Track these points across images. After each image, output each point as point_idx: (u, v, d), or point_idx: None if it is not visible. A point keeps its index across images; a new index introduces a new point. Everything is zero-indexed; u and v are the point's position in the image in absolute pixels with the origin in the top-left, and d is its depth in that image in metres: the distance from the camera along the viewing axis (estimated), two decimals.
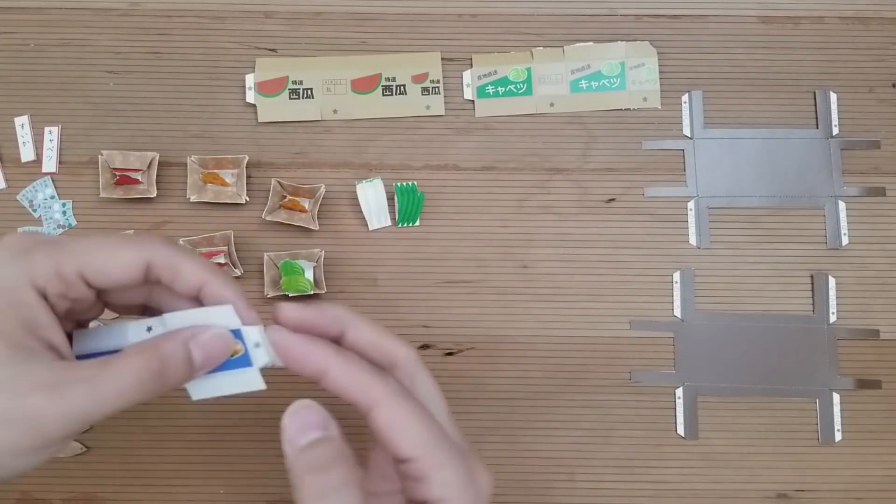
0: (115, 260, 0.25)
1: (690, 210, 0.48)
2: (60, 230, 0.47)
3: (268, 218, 0.46)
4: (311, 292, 0.45)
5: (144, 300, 0.29)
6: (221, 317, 0.26)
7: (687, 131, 0.49)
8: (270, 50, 0.49)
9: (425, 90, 0.49)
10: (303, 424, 0.25)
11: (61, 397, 0.23)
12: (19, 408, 0.23)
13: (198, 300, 0.27)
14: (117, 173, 0.46)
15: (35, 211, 0.47)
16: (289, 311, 0.27)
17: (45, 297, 0.25)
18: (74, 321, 0.28)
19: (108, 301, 0.28)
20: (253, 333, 0.26)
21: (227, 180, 0.47)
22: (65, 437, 0.24)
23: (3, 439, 0.23)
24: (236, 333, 0.26)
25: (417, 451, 0.24)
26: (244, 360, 0.26)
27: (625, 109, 0.49)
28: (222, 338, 0.26)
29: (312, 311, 0.27)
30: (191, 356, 0.25)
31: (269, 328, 0.27)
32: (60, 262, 0.25)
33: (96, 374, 0.24)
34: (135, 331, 0.27)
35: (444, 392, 0.28)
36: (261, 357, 0.26)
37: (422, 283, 0.47)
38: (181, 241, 0.45)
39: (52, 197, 0.47)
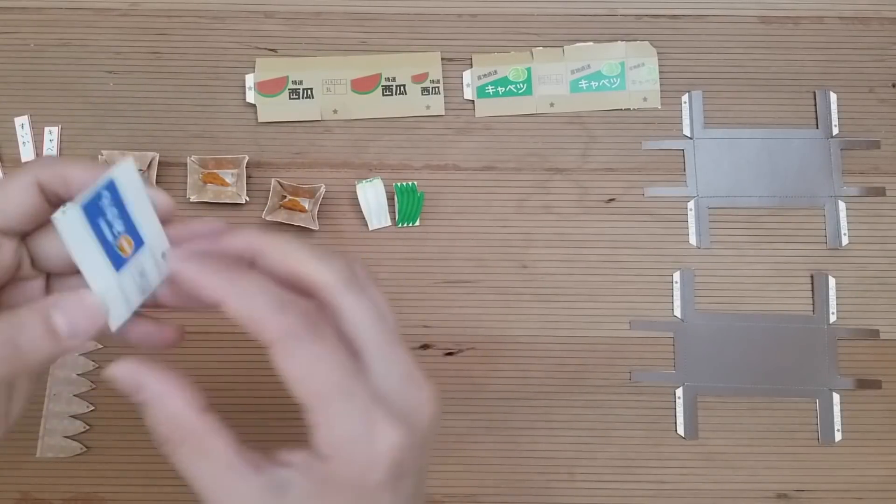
0: (5, 191, 0.24)
1: (690, 210, 0.48)
2: None
3: (268, 218, 0.46)
4: None
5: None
6: (124, 173, 0.23)
7: (687, 131, 0.49)
8: (270, 50, 0.49)
9: (425, 90, 0.49)
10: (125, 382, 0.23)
11: None
12: None
13: None
14: None
15: None
16: (194, 227, 0.25)
17: None
18: None
19: (37, 256, 0.26)
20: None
21: (227, 180, 0.47)
22: None
23: None
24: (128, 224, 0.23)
25: (308, 401, 0.22)
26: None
27: (625, 109, 0.49)
28: (89, 306, 0.23)
29: (217, 231, 0.25)
30: (54, 327, 0.23)
31: (170, 251, 0.25)
32: None
33: None
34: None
35: (442, 390, 0.26)
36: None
37: (422, 283, 0.47)
38: None
39: None
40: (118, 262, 0.23)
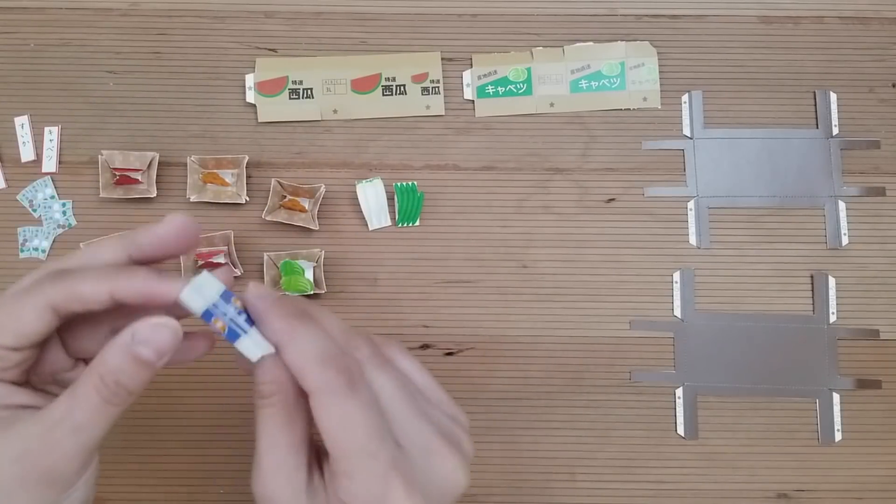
0: (21, 321, 0.25)
1: (690, 210, 0.48)
2: (60, 230, 0.47)
3: (268, 218, 0.46)
4: (312, 292, 0.45)
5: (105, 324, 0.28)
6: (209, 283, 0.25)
7: (687, 131, 0.49)
8: (270, 50, 0.49)
9: (425, 90, 0.49)
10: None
11: (50, 449, 0.24)
12: (20, 473, 0.24)
13: (121, 305, 0.26)
14: (117, 173, 0.46)
15: (35, 211, 0.47)
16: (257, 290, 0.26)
17: None
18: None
19: (70, 343, 0.28)
20: (227, 308, 0.25)
21: (227, 180, 0.47)
22: (80, 469, 0.25)
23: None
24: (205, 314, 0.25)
25: (334, 454, 0.24)
26: (232, 334, 0.25)
27: (625, 109, 0.49)
28: (162, 325, 0.24)
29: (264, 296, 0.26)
30: (140, 357, 0.24)
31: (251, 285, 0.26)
32: None
33: (66, 415, 0.24)
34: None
35: (469, 464, 0.27)
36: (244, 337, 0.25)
37: (422, 283, 0.47)
38: None
39: (52, 197, 0.47)
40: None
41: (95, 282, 0.25)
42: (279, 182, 0.46)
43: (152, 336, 0.24)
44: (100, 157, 0.46)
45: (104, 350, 0.24)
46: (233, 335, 0.25)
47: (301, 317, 0.25)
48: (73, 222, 0.47)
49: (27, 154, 0.47)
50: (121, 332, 0.24)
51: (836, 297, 0.47)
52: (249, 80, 0.48)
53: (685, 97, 0.49)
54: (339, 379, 0.24)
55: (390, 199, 0.47)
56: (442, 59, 0.49)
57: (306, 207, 0.47)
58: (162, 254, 0.27)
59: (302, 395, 0.25)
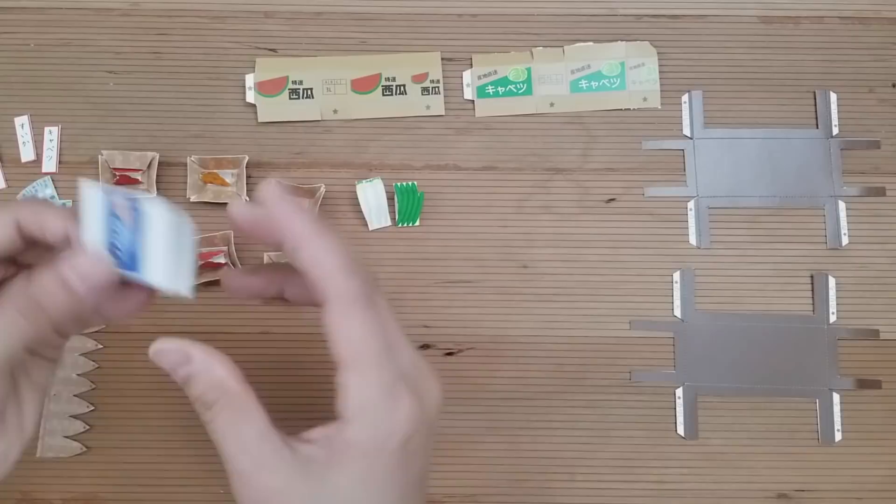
0: None
1: (690, 210, 0.48)
2: None
3: None
4: None
5: None
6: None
7: (687, 131, 0.49)
8: (270, 50, 0.49)
9: (425, 90, 0.49)
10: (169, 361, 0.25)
11: None
12: None
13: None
14: (117, 173, 0.46)
15: None
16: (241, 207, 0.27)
17: None
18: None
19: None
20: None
21: (227, 180, 0.47)
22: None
23: None
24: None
25: (347, 360, 0.24)
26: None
27: (625, 109, 0.49)
28: (99, 262, 0.25)
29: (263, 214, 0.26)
30: (67, 283, 0.25)
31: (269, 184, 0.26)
32: None
33: None
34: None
35: (443, 392, 0.28)
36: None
37: (422, 283, 0.47)
38: None
39: (52, 197, 0.47)
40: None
41: (60, 219, 0.26)
42: (279, 182, 0.46)
43: (87, 268, 0.25)
44: (100, 157, 0.46)
45: (40, 269, 0.25)
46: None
47: (323, 224, 0.26)
48: None
49: (27, 154, 0.47)
50: (60, 257, 0.26)
51: (836, 297, 0.47)
52: (249, 80, 0.48)
53: (685, 97, 0.49)
54: (363, 288, 0.24)
55: (390, 199, 0.47)
56: (442, 59, 0.49)
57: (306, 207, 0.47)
58: None
59: (245, 381, 0.25)
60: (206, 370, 0.25)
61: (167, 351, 0.26)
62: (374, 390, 0.24)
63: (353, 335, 0.24)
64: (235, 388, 0.25)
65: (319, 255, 0.25)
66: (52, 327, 0.25)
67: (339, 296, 0.24)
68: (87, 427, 0.45)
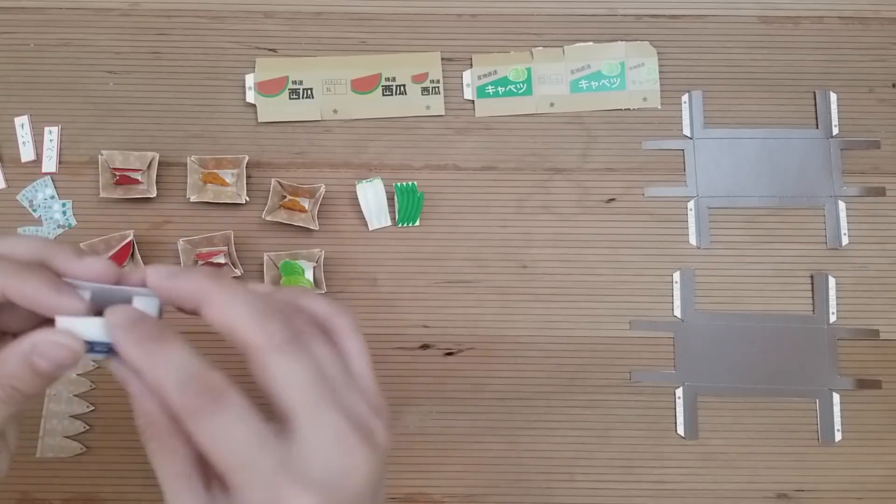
0: None
1: (690, 210, 0.48)
2: (60, 230, 0.47)
3: (268, 218, 0.46)
4: None
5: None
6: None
7: (687, 131, 0.49)
8: (270, 50, 0.49)
9: (425, 90, 0.49)
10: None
11: None
12: None
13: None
14: (117, 173, 0.46)
15: (35, 211, 0.47)
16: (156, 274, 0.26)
17: None
18: None
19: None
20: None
21: (227, 180, 0.47)
22: None
23: None
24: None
25: (222, 472, 0.23)
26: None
27: (625, 109, 0.49)
28: (61, 344, 0.25)
29: (174, 274, 0.25)
30: (37, 368, 0.24)
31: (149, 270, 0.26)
32: None
33: None
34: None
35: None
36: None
37: (422, 283, 0.47)
38: (181, 241, 0.45)
39: (52, 197, 0.47)
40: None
41: (27, 283, 0.25)
42: (279, 182, 0.46)
43: (51, 351, 0.24)
44: (100, 157, 0.46)
45: (4, 352, 0.25)
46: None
47: (226, 280, 0.25)
48: (73, 222, 0.47)
49: (27, 154, 0.47)
50: (22, 339, 0.24)
51: (836, 297, 0.47)
52: (249, 80, 0.48)
53: (685, 97, 0.49)
54: (283, 334, 0.23)
55: (390, 199, 0.47)
56: (442, 59, 0.49)
57: (306, 207, 0.47)
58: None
59: (174, 421, 0.24)
60: (139, 397, 0.25)
61: (114, 370, 0.25)
62: (250, 496, 0.23)
63: (284, 386, 0.23)
64: (165, 424, 0.24)
65: (225, 311, 0.24)
66: (28, 398, 0.25)
67: (257, 348, 0.23)
68: (87, 427, 0.45)
